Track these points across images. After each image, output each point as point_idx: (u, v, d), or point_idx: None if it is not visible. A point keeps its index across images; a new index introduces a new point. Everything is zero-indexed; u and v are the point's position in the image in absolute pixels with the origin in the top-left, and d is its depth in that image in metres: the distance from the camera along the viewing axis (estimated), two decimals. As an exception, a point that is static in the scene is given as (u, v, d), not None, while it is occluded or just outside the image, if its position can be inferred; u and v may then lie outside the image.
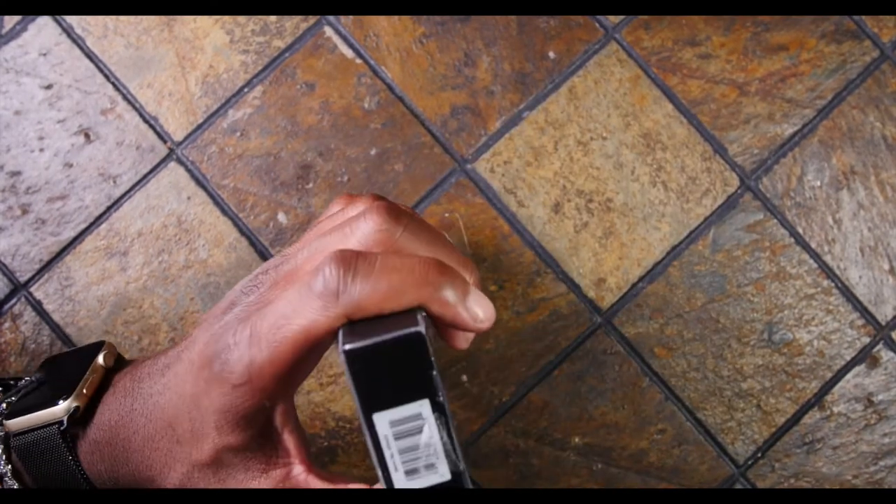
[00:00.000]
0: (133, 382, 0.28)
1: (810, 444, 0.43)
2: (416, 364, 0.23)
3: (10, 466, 0.28)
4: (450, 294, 0.24)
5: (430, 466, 0.24)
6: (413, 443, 0.24)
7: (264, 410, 0.25)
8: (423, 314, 0.24)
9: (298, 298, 0.23)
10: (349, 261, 0.23)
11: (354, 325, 0.24)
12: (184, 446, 0.26)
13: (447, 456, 0.24)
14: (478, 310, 0.24)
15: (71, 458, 0.27)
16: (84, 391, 0.28)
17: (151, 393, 0.27)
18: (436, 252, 0.26)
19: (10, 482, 0.28)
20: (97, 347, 0.30)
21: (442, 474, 0.24)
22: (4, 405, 0.29)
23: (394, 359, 0.23)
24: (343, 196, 0.29)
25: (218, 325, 0.25)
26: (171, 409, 0.26)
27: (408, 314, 0.24)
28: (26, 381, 0.30)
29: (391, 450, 0.24)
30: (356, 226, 0.25)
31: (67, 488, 0.27)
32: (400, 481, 0.24)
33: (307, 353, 0.24)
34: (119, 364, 0.31)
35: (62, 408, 0.27)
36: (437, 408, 0.23)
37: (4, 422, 0.28)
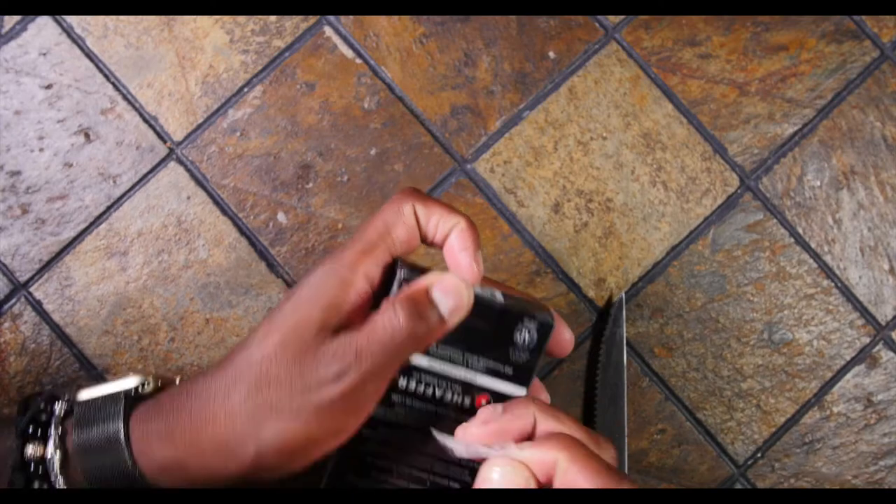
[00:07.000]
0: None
1: (810, 443, 0.43)
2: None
3: (59, 452, 0.28)
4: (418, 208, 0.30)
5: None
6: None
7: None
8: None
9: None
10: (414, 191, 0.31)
11: None
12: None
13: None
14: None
15: (123, 424, 0.28)
16: (151, 381, 0.30)
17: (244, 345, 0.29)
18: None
19: (57, 477, 0.28)
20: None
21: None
22: (65, 403, 0.29)
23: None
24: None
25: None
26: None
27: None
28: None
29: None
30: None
31: (109, 458, 0.27)
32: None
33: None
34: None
35: (132, 379, 0.29)
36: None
37: (78, 394, 0.29)
